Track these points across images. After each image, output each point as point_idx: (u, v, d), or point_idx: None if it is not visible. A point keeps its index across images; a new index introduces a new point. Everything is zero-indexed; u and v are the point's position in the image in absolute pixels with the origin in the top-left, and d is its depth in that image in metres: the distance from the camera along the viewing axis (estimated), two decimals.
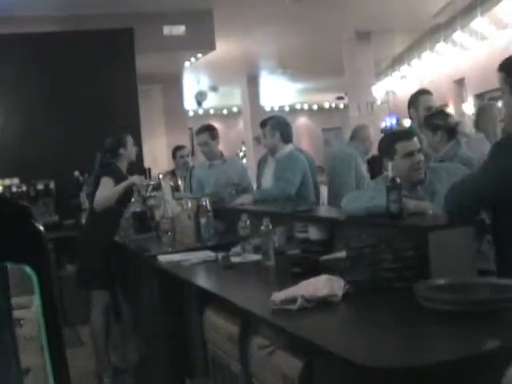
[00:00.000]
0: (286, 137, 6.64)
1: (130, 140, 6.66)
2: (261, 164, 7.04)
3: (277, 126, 6.62)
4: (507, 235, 3.31)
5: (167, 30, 11.26)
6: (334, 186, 7.42)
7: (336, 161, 7.69)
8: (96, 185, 6.45)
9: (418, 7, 12.71)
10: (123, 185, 6.39)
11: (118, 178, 6.44)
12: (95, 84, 10.11)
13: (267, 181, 6.69)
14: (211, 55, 12.42)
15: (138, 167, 7.72)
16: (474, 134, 6.81)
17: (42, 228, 1.45)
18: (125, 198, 6.41)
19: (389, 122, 19.07)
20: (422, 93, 6.43)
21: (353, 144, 7.73)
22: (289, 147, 6.63)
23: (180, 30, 11.30)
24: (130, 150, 6.63)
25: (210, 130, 7.16)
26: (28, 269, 1.41)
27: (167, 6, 10.87)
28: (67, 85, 9.96)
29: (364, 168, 7.58)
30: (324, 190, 7.64)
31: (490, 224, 3.43)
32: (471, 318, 2.69)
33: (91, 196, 6.60)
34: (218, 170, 7.01)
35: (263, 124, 6.75)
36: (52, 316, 1.43)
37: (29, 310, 1.73)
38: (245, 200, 6.24)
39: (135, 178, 6.54)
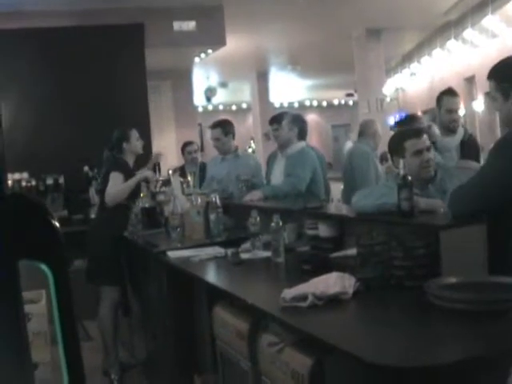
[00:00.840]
0: (303, 134, 6.67)
1: (134, 134, 6.66)
2: (270, 160, 7.04)
3: (296, 121, 6.65)
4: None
5: (177, 25, 11.24)
6: (352, 183, 7.32)
7: (353, 158, 7.63)
8: (106, 180, 6.46)
9: (429, 4, 12.67)
10: (135, 179, 6.41)
11: (127, 172, 6.46)
12: (105, 79, 10.11)
13: (277, 177, 6.69)
14: (221, 51, 12.41)
15: (146, 162, 7.72)
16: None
17: (57, 225, 1.44)
18: (134, 192, 6.42)
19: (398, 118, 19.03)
20: (447, 93, 6.39)
21: (364, 140, 7.71)
22: (301, 144, 6.65)
23: (190, 25, 11.28)
24: (133, 145, 6.64)
25: (222, 125, 7.14)
26: (43, 266, 1.40)
27: (177, 1, 10.87)
28: (77, 80, 9.96)
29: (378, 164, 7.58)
30: (333, 187, 7.61)
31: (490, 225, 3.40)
32: (482, 317, 2.68)
33: (101, 191, 6.61)
34: (230, 165, 7.00)
35: (277, 119, 6.74)
36: (67, 314, 1.42)
37: (37, 305, 1.72)
38: (254, 196, 6.24)
39: (148, 173, 6.56)
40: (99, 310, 6.41)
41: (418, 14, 13.21)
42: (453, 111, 6.20)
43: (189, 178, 6.67)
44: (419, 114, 17.78)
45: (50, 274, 1.40)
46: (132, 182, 6.40)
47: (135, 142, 6.67)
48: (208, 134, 7.53)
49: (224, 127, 7.10)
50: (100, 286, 6.47)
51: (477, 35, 13.44)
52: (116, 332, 6.42)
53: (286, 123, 6.60)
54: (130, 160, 6.63)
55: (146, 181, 6.49)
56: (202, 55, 12.79)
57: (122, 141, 6.59)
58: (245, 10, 11.76)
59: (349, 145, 12.38)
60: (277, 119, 6.74)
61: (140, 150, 6.74)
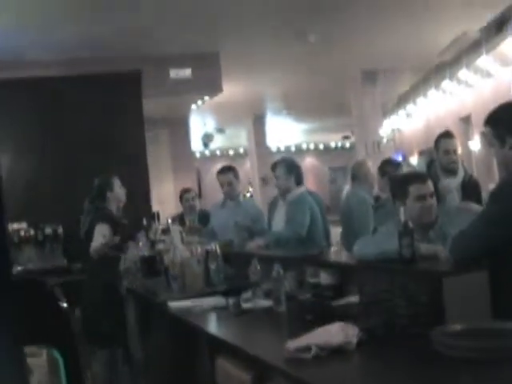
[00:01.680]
0: (299, 178, 6.67)
1: (116, 182, 6.65)
2: (271, 207, 7.03)
3: (291, 168, 6.65)
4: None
5: (174, 73, 11.30)
6: (351, 228, 7.30)
7: (351, 204, 7.61)
8: (90, 232, 6.42)
9: (424, 46, 12.75)
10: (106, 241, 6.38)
11: (112, 222, 6.43)
12: (102, 128, 10.12)
13: (278, 223, 6.68)
14: (217, 97, 12.46)
15: (146, 211, 7.70)
16: None
17: (66, 309, 1.42)
18: (120, 242, 6.39)
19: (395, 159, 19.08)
20: (443, 136, 6.46)
21: (358, 184, 7.69)
22: (300, 189, 6.65)
23: (186, 72, 11.34)
24: (117, 192, 6.63)
25: (234, 170, 7.21)
26: (55, 352, 1.38)
27: (173, 49, 10.93)
28: (74, 129, 9.98)
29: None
30: (332, 230, 7.58)
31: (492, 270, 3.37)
32: (490, 364, 2.64)
33: (87, 242, 6.54)
34: (230, 212, 7.00)
35: (274, 166, 6.76)
36: None
37: (39, 359, 1.70)
38: (257, 243, 6.24)
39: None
40: (92, 365, 6.30)
41: (412, 55, 13.30)
42: (450, 152, 6.24)
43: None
44: (415, 154, 17.90)
45: (61, 360, 1.38)
46: (105, 241, 6.37)
47: (118, 190, 6.66)
48: (208, 179, 7.53)
49: (234, 171, 7.17)
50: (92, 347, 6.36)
51: (471, 75, 13.52)
52: None
53: (281, 172, 6.60)
54: (113, 209, 6.61)
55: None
56: (199, 102, 12.83)
57: (106, 190, 6.57)
58: (240, 57, 11.84)
59: (347, 188, 12.33)
60: (274, 166, 6.76)
61: (123, 198, 6.73)
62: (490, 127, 3.47)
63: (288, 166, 6.67)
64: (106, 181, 6.61)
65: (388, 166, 7.12)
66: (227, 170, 7.21)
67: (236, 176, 7.14)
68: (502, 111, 3.54)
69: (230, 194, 7.12)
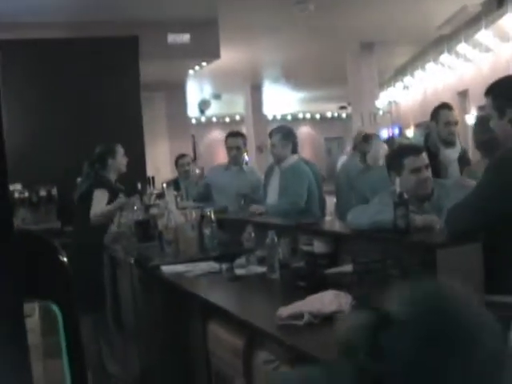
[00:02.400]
0: (294, 148, 6.65)
1: (119, 150, 6.60)
2: (267, 174, 7.00)
3: (289, 137, 6.62)
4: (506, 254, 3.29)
5: (172, 38, 11.25)
6: (346, 198, 7.30)
7: (350, 173, 7.62)
8: (88, 197, 6.38)
9: (423, 19, 12.71)
10: (116, 205, 6.34)
11: (112, 190, 6.40)
12: (99, 91, 10.09)
13: (272, 190, 6.66)
14: (215, 64, 12.42)
15: (140, 176, 7.69)
16: None
17: (67, 263, 1.43)
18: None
19: (391, 131, 19.11)
20: (443, 107, 6.41)
21: (358, 154, 7.71)
22: (294, 158, 6.62)
23: (184, 38, 11.29)
24: (119, 161, 6.58)
25: (243, 136, 7.29)
26: (53, 306, 1.39)
27: (172, 14, 10.87)
28: (71, 91, 9.94)
29: None
30: (327, 200, 7.58)
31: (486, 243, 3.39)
32: None
33: (81, 206, 6.50)
34: (232, 177, 7.01)
35: (271, 133, 6.75)
36: (76, 353, 1.41)
37: (31, 319, 1.71)
38: (257, 209, 6.26)
39: (123, 200, 6.45)
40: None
41: (411, 28, 13.26)
42: (451, 124, 6.20)
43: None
44: (412, 127, 17.90)
45: (60, 314, 1.39)
46: (112, 207, 6.34)
47: (121, 159, 6.61)
48: (203, 145, 7.52)
49: (243, 137, 7.22)
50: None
51: (470, 49, 13.49)
52: (101, 358, 6.37)
53: (277, 140, 6.57)
54: (113, 178, 6.58)
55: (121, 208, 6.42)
56: (196, 68, 12.79)
57: (108, 156, 6.52)
58: (239, 24, 11.79)
59: (342, 159, 12.33)
60: (271, 135, 6.75)
61: (124, 168, 6.68)
62: (491, 98, 3.47)
63: (285, 134, 6.64)
64: (110, 148, 6.57)
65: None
66: (237, 134, 7.26)
67: (244, 142, 7.19)
68: (503, 83, 3.54)
69: (237, 159, 7.12)
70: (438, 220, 3.78)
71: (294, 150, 6.65)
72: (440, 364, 1.28)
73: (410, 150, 4.36)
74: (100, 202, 6.31)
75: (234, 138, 7.16)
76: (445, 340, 1.30)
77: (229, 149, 7.15)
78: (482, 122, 5.85)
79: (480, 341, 1.34)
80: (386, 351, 1.27)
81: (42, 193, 9.30)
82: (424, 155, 4.24)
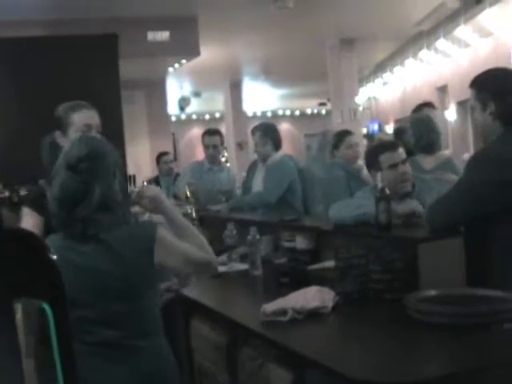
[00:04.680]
0: (277, 144, 6.60)
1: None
2: (251, 169, 6.96)
3: (269, 133, 6.57)
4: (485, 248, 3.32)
5: (151, 35, 11.24)
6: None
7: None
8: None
9: (402, 15, 12.76)
10: None
11: None
12: (78, 89, 10.02)
13: (257, 185, 6.63)
14: (195, 61, 12.41)
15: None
16: None
17: (56, 260, 1.42)
18: None
19: (371, 127, 19.18)
20: (427, 105, 6.47)
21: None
22: (279, 154, 6.59)
23: (164, 35, 11.28)
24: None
25: (220, 134, 7.22)
26: (44, 305, 1.38)
27: (151, 11, 10.85)
28: (50, 89, 9.89)
29: None
30: None
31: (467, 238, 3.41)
32: (462, 330, 2.68)
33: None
34: (214, 176, 6.99)
35: (252, 132, 6.72)
36: (66, 350, 1.40)
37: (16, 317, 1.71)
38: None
39: None
40: None
41: (390, 24, 13.30)
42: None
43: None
44: (391, 123, 17.94)
45: (50, 313, 1.38)
46: None
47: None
48: (183, 143, 7.49)
49: (221, 135, 7.18)
50: None
51: (449, 45, 13.54)
52: None
53: (258, 137, 6.53)
54: None
55: None
56: (176, 65, 12.77)
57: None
58: (219, 21, 11.77)
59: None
60: (253, 134, 6.71)
61: None
62: (475, 90, 3.50)
63: (264, 131, 6.59)
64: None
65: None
66: (215, 132, 7.18)
67: (222, 141, 7.15)
68: (488, 77, 3.56)
69: (214, 157, 7.09)
70: (418, 204, 3.82)
71: (277, 146, 6.59)
72: None
73: (385, 146, 4.37)
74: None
75: (211, 136, 7.11)
76: None
77: (206, 147, 7.11)
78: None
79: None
80: None
81: (23, 192, 9.26)
82: (401, 150, 4.26)
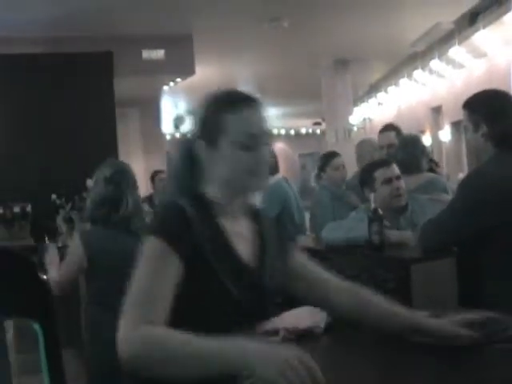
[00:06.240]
0: (272, 169, 6.51)
1: None
2: None
3: None
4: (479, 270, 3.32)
5: (146, 54, 11.25)
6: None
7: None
8: None
9: (396, 35, 12.79)
10: None
11: None
12: (73, 107, 10.06)
13: None
14: (190, 79, 12.41)
15: None
16: None
17: (47, 282, 1.42)
18: None
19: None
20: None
21: None
22: (275, 178, 6.53)
23: (159, 54, 11.29)
24: None
25: None
26: (34, 325, 1.38)
27: (146, 29, 10.87)
28: (45, 107, 9.91)
29: None
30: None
31: (460, 259, 3.42)
32: (453, 351, 2.67)
33: None
34: None
35: None
36: (56, 369, 1.40)
37: (7, 335, 1.70)
38: None
39: None
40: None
41: (385, 44, 13.33)
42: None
43: None
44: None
45: (40, 332, 1.38)
46: None
47: None
48: None
49: None
50: None
51: (443, 66, 13.58)
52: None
53: None
54: None
55: None
56: (171, 84, 12.78)
57: None
58: (214, 40, 11.79)
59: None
60: None
61: None
62: (467, 111, 3.52)
63: None
64: None
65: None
66: None
67: None
68: (480, 99, 3.59)
69: None
70: (412, 236, 3.81)
71: (273, 171, 6.48)
72: None
73: (379, 163, 4.42)
74: None
75: None
76: None
77: None
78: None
79: None
80: None
81: (16, 209, 9.24)
82: (394, 166, 4.29)
